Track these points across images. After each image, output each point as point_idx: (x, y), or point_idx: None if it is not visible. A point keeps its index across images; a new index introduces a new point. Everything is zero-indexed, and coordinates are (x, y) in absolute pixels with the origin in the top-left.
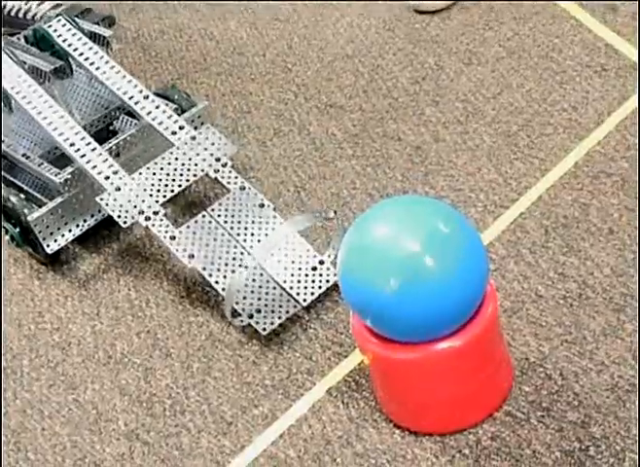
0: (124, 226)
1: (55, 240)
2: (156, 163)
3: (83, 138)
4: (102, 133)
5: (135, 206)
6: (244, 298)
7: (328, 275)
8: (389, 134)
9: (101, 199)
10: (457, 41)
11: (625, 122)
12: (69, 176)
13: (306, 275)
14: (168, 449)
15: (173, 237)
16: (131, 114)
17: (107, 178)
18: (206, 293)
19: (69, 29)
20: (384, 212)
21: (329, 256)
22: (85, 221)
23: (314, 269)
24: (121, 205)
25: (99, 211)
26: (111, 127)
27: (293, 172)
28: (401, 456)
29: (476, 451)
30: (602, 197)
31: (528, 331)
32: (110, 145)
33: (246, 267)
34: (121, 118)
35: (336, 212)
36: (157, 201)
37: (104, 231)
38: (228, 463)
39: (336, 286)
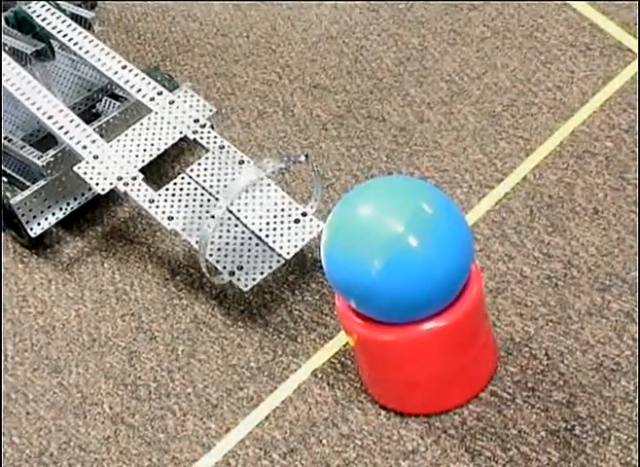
0: (101, 192)
1: (39, 224)
2: (134, 130)
3: (61, 111)
4: (85, 116)
5: (113, 173)
6: (225, 255)
7: (311, 227)
8: (374, 115)
9: (79, 168)
10: (441, 21)
11: (610, 101)
12: (52, 159)
13: (289, 228)
14: (154, 432)
15: (152, 201)
16: (114, 96)
17: (85, 147)
18: (190, 275)
19: (48, 9)
20: (369, 193)
21: (311, 207)
22: (68, 204)
23: (297, 221)
24: (99, 173)
25: (83, 194)
26: (94, 110)
27: (277, 154)
28: (386, 437)
29: (461, 432)
30: (587, 177)
31: (513, 311)
32: (93, 127)
33: (213, 216)
34: (103, 100)
35: (307, 156)
36: (135, 167)
37: (88, 214)
38: (213, 445)
39: (321, 268)
